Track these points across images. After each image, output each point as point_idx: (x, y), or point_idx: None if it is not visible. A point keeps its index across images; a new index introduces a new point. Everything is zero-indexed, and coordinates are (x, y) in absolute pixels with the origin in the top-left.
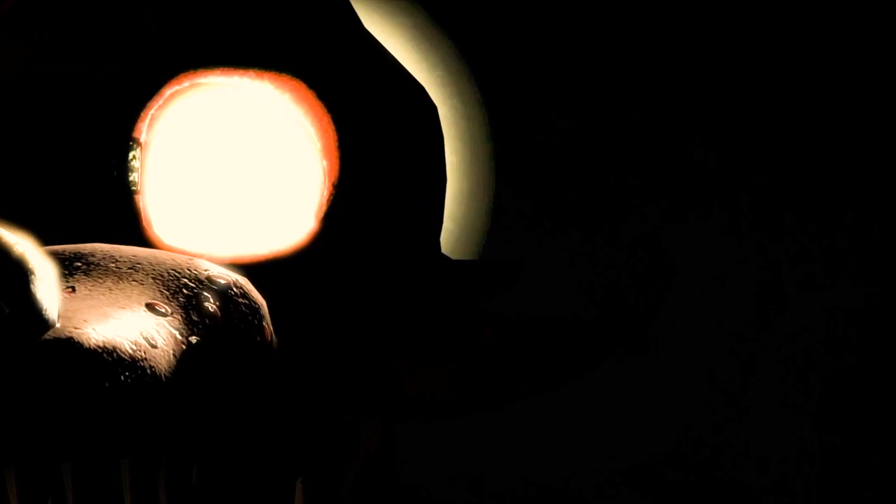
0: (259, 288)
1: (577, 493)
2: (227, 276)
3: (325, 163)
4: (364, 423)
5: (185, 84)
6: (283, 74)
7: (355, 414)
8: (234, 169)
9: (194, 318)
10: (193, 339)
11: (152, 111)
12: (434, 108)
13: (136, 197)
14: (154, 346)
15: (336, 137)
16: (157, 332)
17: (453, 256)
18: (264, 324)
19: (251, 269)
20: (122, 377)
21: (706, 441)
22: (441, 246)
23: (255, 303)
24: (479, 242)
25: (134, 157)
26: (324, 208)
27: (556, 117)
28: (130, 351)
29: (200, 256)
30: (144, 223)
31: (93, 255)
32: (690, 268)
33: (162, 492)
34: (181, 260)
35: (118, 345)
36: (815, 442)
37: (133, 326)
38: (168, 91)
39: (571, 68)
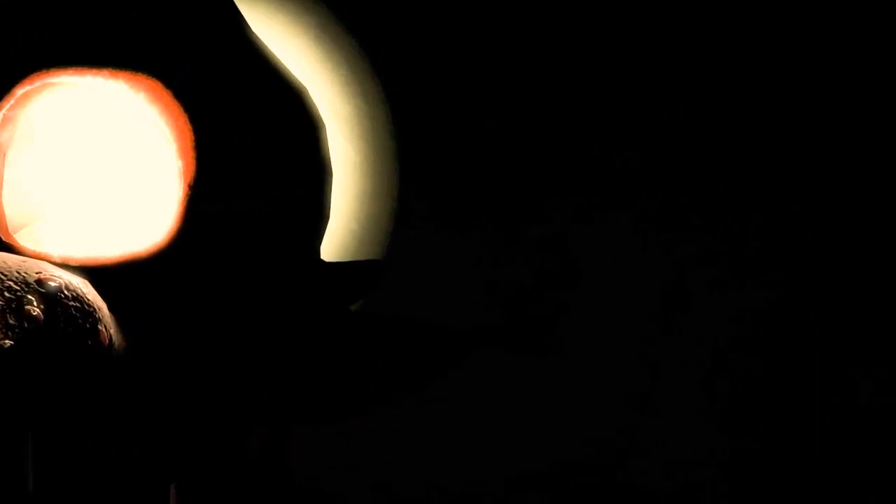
0: (114, 289)
1: (484, 498)
2: (59, 278)
3: (180, 163)
4: (254, 428)
5: (37, 84)
6: (139, 74)
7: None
8: (89, 169)
9: (11, 321)
10: (6, 343)
11: (3, 112)
12: (312, 109)
13: None
14: None
15: (193, 137)
16: None
17: (356, 257)
18: (99, 327)
19: (106, 271)
20: None
21: (614, 446)
22: (344, 246)
23: (88, 306)
24: (383, 243)
25: None
26: (181, 209)
27: (461, 117)
28: None
29: (48, 258)
30: None
31: None
32: (596, 269)
33: None
34: (13, 262)
35: None
36: (722, 446)
37: None
38: (19, 91)
39: (477, 68)
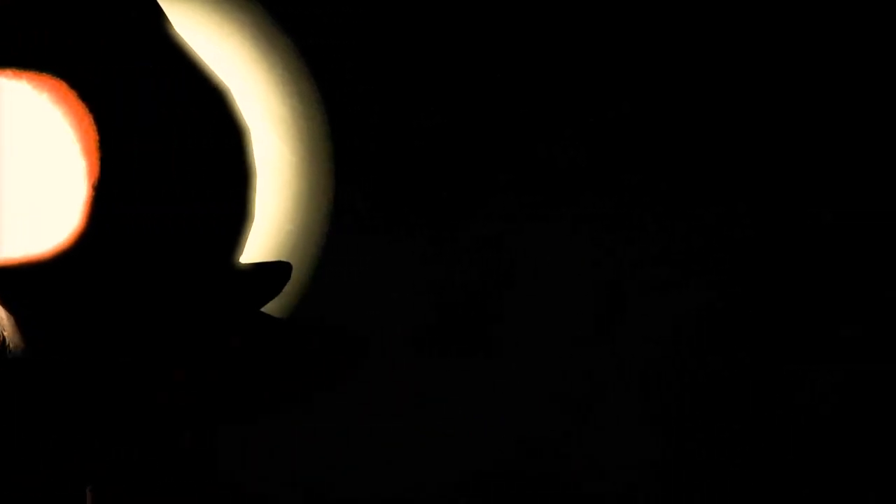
0: (15, 290)
1: (418, 502)
2: None
3: (84, 164)
4: (167, 431)
5: None
6: (43, 74)
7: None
8: None
9: None
10: None
11: None
12: (233, 111)
13: None
14: None
15: (97, 138)
16: None
17: (292, 258)
18: None
19: (8, 272)
20: None
21: (549, 449)
22: (279, 247)
23: None
24: (319, 244)
25: None
26: (85, 210)
27: (400, 116)
28: None
29: None
30: None
31: None
32: (537, 270)
33: None
34: None
35: None
36: (657, 449)
37: None
38: None
39: (416, 66)
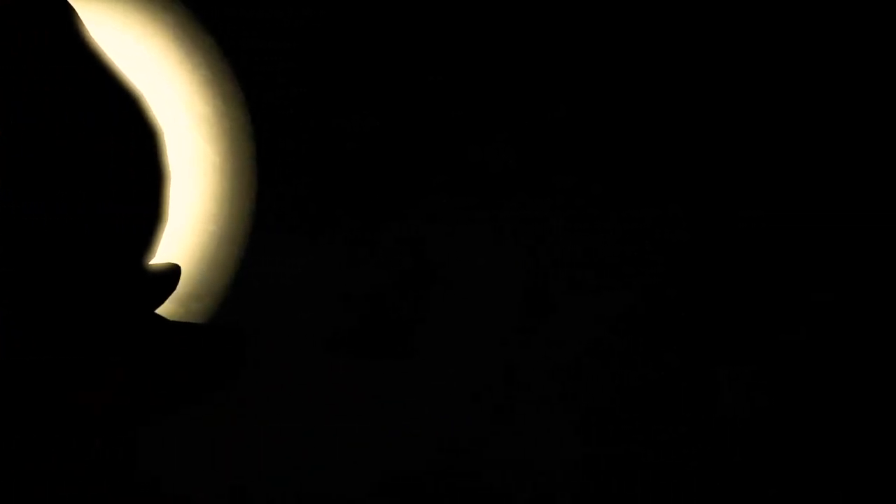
0: None
1: (341, 501)
2: None
3: None
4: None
5: None
6: None
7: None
8: None
9: None
10: None
11: None
12: (144, 114)
13: None
14: None
15: None
16: None
17: (214, 259)
18: None
19: None
20: None
21: (469, 450)
22: (201, 247)
23: None
24: (240, 244)
25: None
26: None
27: (323, 118)
28: None
29: None
30: None
31: None
32: (455, 273)
33: None
34: None
35: None
36: (577, 450)
37: None
38: None
39: (340, 67)
